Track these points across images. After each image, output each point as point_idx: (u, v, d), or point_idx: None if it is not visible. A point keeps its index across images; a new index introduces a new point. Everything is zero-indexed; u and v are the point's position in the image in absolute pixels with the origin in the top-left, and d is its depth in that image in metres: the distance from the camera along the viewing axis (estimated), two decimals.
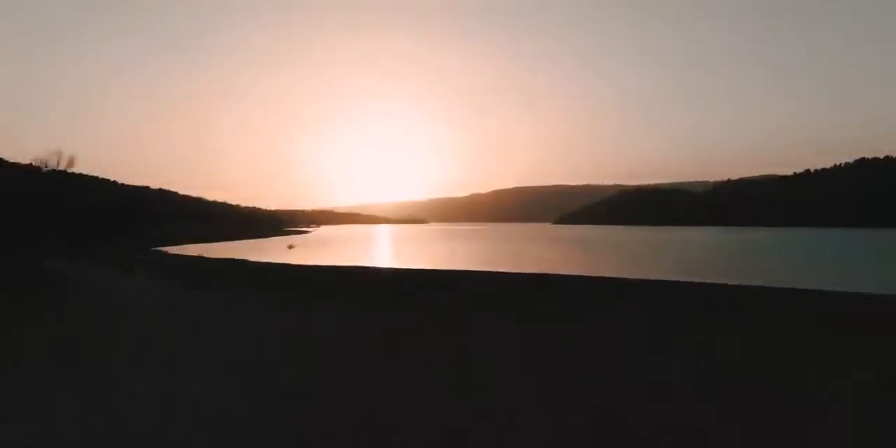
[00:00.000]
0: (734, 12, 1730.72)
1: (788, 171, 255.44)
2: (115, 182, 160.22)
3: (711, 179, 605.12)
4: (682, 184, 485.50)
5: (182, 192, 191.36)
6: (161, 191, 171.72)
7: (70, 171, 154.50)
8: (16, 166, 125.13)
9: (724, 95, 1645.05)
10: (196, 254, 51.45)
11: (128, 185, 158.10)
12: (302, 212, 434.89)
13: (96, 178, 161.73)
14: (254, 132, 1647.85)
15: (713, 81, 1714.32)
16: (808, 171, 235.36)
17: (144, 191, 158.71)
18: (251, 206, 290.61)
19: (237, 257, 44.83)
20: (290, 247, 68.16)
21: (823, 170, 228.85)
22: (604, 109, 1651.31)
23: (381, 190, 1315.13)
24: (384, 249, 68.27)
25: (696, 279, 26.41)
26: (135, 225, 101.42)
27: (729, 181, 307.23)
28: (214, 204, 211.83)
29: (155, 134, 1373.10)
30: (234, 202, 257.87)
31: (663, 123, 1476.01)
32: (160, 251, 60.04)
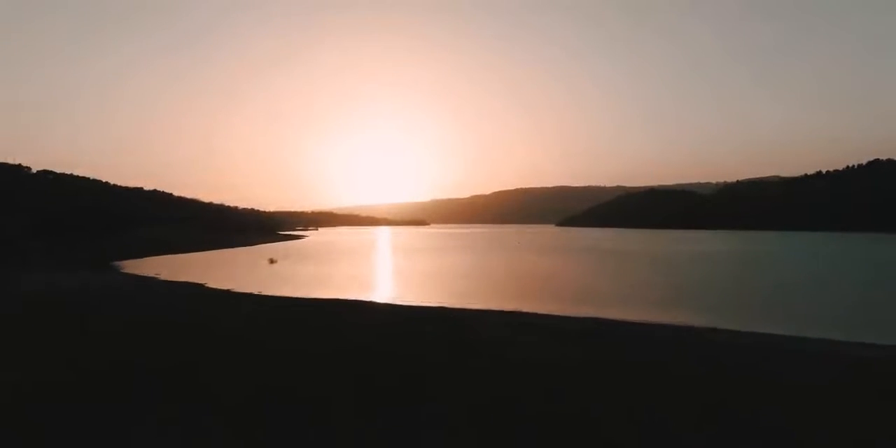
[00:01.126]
0: (737, 11, 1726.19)
1: (794, 173, 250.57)
2: (106, 183, 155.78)
3: (714, 180, 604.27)
4: (685, 185, 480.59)
5: (179, 193, 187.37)
6: (155, 192, 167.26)
7: (59, 172, 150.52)
8: None
9: (727, 95, 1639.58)
10: (153, 273, 46.10)
11: (119, 186, 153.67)
12: (301, 213, 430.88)
13: (87, 179, 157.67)
14: (258, 133, 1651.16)
15: (717, 81, 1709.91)
16: (819, 172, 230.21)
17: (135, 192, 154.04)
18: (249, 207, 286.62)
19: (195, 281, 39.77)
20: (272, 261, 61.32)
21: (836, 171, 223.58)
22: (606, 110, 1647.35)
23: (382, 191, 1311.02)
24: (378, 266, 60.46)
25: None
26: (118, 228, 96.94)
27: (737, 183, 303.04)
28: (211, 206, 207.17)
29: (159, 135, 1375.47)
30: (233, 204, 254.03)
31: (666, 124, 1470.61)
32: (115, 266, 54.73)
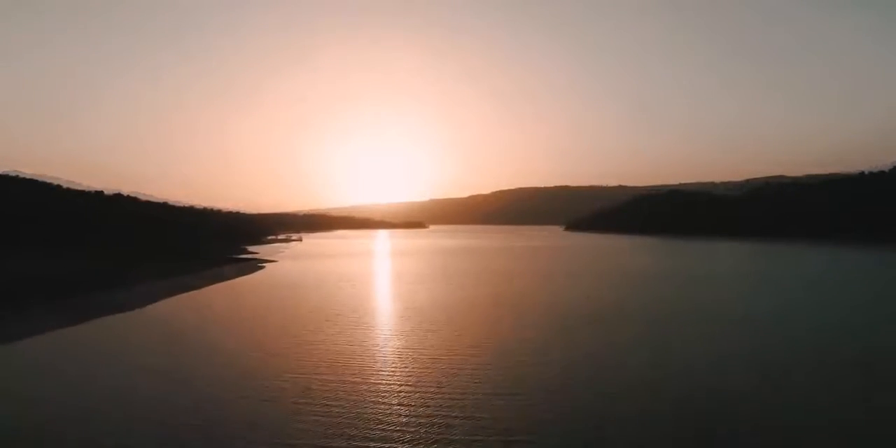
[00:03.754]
0: (741, 8, 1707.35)
1: (798, 173, 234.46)
2: (63, 186, 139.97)
3: (719, 180, 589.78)
4: (687, 184, 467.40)
5: (163, 195, 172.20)
6: (118, 196, 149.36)
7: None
8: None
9: (729, 94, 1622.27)
10: None
11: (73, 191, 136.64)
12: (293, 215, 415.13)
13: (51, 183, 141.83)
14: (257, 134, 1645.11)
15: (720, 79, 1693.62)
16: (833, 172, 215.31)
17: (94, 196, 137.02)
18: (235, 210, 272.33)
19: None
20: None
21: (859, 173, 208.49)
22: (607, 109, 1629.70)
23: (382, 190, 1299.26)
24: (368, 339, 31.95)
25: None
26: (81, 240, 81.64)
27: (747, 182, 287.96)
28: (191, 210, 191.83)
29: (162, 136, 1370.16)
30: (224, 205, 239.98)
31: (667, 123, 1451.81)
32: None
